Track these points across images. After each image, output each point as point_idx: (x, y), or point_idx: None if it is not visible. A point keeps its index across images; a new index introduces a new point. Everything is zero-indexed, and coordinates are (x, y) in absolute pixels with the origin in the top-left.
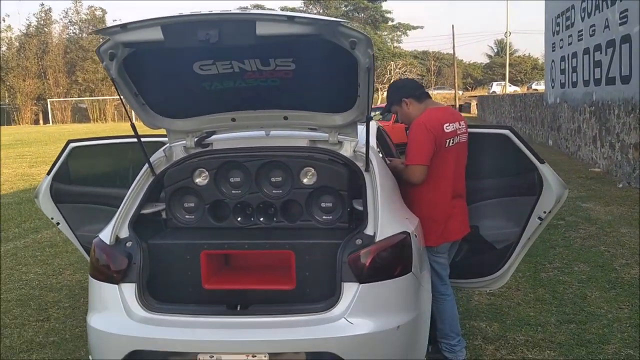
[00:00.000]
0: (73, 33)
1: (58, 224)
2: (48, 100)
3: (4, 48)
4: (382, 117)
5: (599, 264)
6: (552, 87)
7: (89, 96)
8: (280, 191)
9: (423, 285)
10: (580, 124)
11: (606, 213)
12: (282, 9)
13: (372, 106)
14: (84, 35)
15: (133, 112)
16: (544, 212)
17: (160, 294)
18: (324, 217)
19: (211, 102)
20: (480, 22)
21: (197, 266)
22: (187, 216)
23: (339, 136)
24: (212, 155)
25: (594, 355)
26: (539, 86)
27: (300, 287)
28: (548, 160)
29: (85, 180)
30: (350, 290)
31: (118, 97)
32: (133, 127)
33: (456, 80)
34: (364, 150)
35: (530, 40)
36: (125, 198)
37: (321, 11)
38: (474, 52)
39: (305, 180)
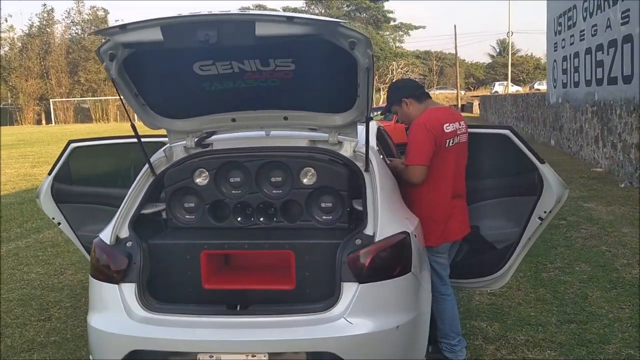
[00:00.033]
0: (75, 33)
1: (59, 224)
2: (50, 100)
3: (6, 48)
4: (383, 117)
5: (600, 264)
6: (554, 87)
7: (92, 96)
8: (280, 191)
9: (423, 285)
10: (582, 124)
11: (608, 213)
12: (284, 9)
13: (375, 106)
14: (86, 35)
15: (134, 113)
16: (545, 212)
17: (160, 294)
18: (323, 217)
19: (211, 102)
20: (483, 22)
21: (197, 266)
22: (187, 216)
23: (338, 136)
24: (212, 156)
25: (595, 355)
26: (542, 86)
27: (300, 287)
28: (550, 160)
29: (86, 181)
30: (349, 290)
31: (119, 97)
32: (133, 127)
33: (458, 80)
34: (363, 150)
35: (533, 40)
36: (126, 198)
37: (323, 11)
38: (476, 52)
39: (305, 181)
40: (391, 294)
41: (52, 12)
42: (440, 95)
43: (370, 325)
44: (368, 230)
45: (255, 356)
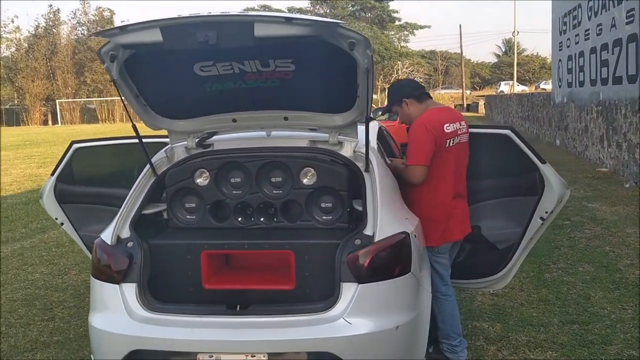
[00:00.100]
0: (81, 34)
1: (62, 224)
2: (57, 101)
3: (12, 49)
4: (388, 117)
5: (603, 265)
6: (560, 87)
7: (98, 97)
8: (281, 191)
9: (423, 286)
10: (588, 124)
11: (612, 213)
12: (289, 10)
13: (380, 106)
14: (87, 36)
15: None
16: (546, 213)
17: (161, 294)
18: (323, 217)
19: (212, 103)
20: (488, 21)
21: (198, 266)
22: (188, 216)
23: (339, 136)
24: (213, 156)
25: (596, 356)
26: (547, 85)
27: (299, 287)
28: (555, 160)
29: (88, 181)
30: (349, 291)
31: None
32: (134, 127)
33: (464, 80)
34: (364, 150)
35: (539, 40)
36: (127, 198)
37: (328, 11)
38: (481, 51)
39: (305, 181)
40: (391, 294)
41: (58, 12)
42: (445, 94)
43: (369, 326)
44: (367, 231)
45: (254, 356)
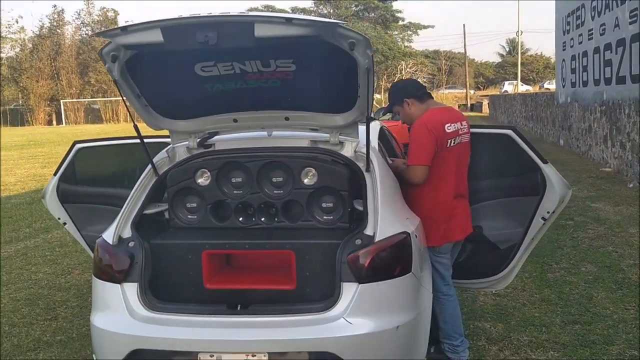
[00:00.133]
0: (85, 34)
1: (65, 224)
2: (61, 101)
3: (17, 49)
4: (392, 117)
5: (606, 265)
6: (563, 87)
7: (102, 97)
8: (281, 191)
9: (423, 286)
10: (591, 124)
11: (615, 213)
12: (293, 10)
13: (384, 106)
14: (89, 36)
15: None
16: (548, 213)
17: (162, 294)
18: (324, 217)
19: (213, 103)
20: (492, 21)
21: (199, 266)
22: (189, 216)
23: (340, 136)
24: (214, 156)
25: (598, 356)
26: (551, 85)
27: (300, 287)
28: (559, 159)
29: (91, 181)
30: (349, 291)
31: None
32: (136, 128)
33: (467, 80)
34: (364, 150)
35: (543, 39)
36: (129, 198)
37: (331, 11)
38: (485, 51)
39: (306, 181)
40: (391, 294)
41: (62, 13)
42: (449, 94)
43: (369, 326)
44: (368, 231)
45: (255, 356)
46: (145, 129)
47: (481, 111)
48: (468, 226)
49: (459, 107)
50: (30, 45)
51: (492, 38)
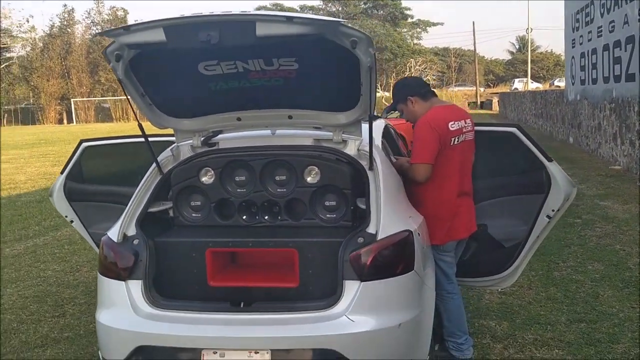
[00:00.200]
0: (96, 33)
1: (72, 222)
2: (72, 100)
3: (28, 48)
4: (399, 115)
5: (613, 263)
6: (572, 84)
7: (112, 96)
8: (285, 190)
9: (426, 284)
10: (601, 121)
11: (624, 211)
12: (301, 8)
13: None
14: (93, 36)
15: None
16: (553, 211)
17: (166, 291)
18: (327, 215)
19: (216, 101)
20: (502, 18)
21: (203, 264)
22: (193, 214)
23: (343, 135)
24: (218, 155)
25: (603, 355)
26: (561, 83)
27: (303, 284)
28: (568, 157)
29: (98, 179)
30: (351, 288)
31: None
32: (140, 126)
33: (477, 77)
34: (368, 148)
35: (553, 36)
36: (133, 196)
37: (340, 9)
38: (495, 48)
39: (309, 179)
40: (393, 292)
41: (73, 12)
42: (459, 92)
43: (372, 323)
44: (370, 229)
45: (258, 353)
46: (150, 128)
47: (491, 109)
48: (472, 224)
49: (468, 104)
50: (41, 45)
51: (501, 35)
